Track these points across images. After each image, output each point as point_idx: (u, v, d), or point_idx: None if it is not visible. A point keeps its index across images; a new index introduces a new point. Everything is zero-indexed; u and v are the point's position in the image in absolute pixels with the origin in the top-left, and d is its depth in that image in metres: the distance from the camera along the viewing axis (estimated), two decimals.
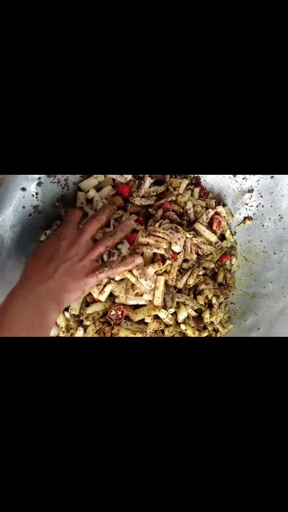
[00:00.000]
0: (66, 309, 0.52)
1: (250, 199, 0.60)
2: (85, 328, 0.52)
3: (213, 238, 0.59)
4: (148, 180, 0.58)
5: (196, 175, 0.62)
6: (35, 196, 0.52)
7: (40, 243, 0.53)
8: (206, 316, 0.56)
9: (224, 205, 0.63)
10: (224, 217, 0.62)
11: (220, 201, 0.64)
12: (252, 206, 0.60)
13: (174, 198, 0.58)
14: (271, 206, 0.58)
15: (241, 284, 0.63)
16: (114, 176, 0.59)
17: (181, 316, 0.54)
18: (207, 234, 0.58)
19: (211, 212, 0.60)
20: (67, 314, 0.52)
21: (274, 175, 0.56)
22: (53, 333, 0.53)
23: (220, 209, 0.61)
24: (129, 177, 0.59)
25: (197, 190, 0.61)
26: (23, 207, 0.51)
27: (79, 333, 0.52)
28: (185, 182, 0.60)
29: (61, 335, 0.53)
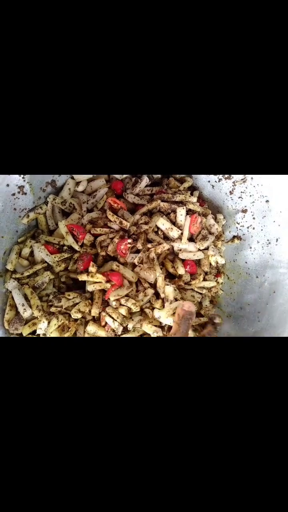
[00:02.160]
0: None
1: (242, 219, 0.59)
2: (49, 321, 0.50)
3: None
4: (145, 180, 0.56)
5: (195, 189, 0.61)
6: (22, 176, 0.49)
7: None
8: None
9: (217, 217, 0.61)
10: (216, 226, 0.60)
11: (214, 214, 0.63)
12: (243, 226, 0.60)
13: (170, 196, 0.56)
14: (262, 229, 0.57)
15: (219, 301, 0.62)
16: None
17: None
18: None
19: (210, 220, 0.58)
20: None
21: (269, 200, 0.55)
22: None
23: (210, 220, 0.59)
24: None
25: (196, 192, 0.60)
26: (7, 185, 0.48)
27: (43, 325, 0.50)
28: (189, 182, 0.58)
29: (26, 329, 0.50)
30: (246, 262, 0.60)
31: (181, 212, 0.53)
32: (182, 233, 0.54)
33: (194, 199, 0.56)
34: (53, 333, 0.49)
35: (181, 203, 0.56)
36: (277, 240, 0.55)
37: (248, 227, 0.59)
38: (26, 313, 0.49)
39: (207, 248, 0.57)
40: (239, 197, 0.58)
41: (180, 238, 0.54)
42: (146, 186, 0.57)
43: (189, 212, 0.56)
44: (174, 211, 0.54)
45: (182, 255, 0.54)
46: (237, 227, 0.60)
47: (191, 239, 0.57)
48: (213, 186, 0.60)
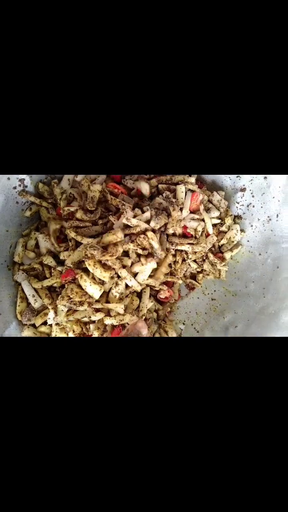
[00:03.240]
0: None
1: (241, 198, 0.60)
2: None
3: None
4: None
5: None
6: None
7: None
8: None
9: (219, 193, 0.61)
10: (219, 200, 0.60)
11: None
12: (243, 205, 0.60)
13: (168, 178, 0.56)
14: (261, 207, 0.58)
15: (224, 282, 0.63)
16: None
17: None
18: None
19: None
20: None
21: (267, 176, 0.56)
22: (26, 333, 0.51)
23: (217, 196, 0.60)
24: None
25: (194, 175, 0.60)
26: (8, 178, 0.49)
27: (51, 315, 0.51)
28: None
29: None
30: (248, 241, 0.61)
31: (181, 189, 0.54)
32: (181, 209, 0.54)
33: (192, 179, 0.57)
34: (64, 319, 0.50)
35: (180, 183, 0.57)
36: (277, 215, 0.56)
37: (248, 206, 0.60)
38: (37, 304, 0.50)
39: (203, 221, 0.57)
40: (237, 176, 0.59)
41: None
42: None
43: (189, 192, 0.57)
44: (173, 191, 0.55)
45: (186, 223, 0.54)
46: (237, 207, 0.61)
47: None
48: None
